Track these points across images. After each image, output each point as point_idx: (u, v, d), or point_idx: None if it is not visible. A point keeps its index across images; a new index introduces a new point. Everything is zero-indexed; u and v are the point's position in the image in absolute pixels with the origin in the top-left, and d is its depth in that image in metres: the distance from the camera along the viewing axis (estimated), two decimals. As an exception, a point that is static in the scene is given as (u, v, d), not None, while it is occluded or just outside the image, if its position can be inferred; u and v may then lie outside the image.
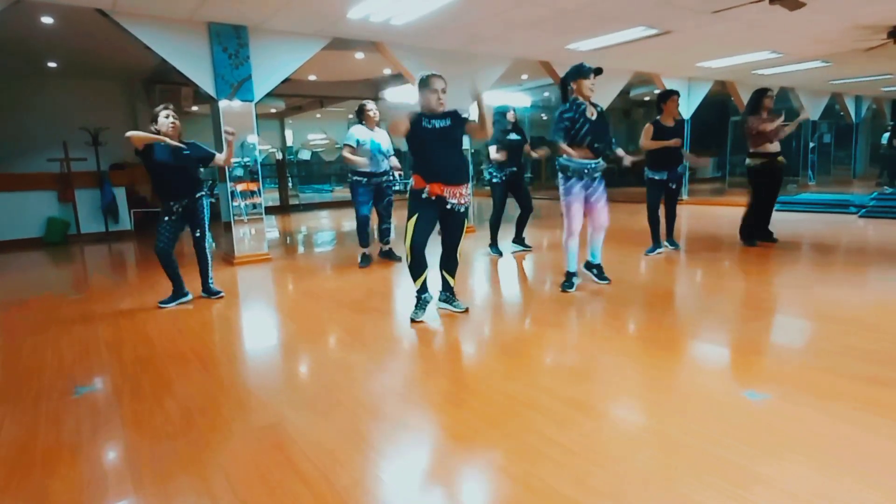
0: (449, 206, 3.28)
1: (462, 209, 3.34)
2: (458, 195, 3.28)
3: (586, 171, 3.77)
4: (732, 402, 2.19)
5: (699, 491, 1.60)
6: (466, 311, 3.53)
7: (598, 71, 3.75)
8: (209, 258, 4.16)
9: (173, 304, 4.02)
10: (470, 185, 3.39)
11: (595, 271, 4.12)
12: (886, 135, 12.83)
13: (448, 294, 3.57)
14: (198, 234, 4.01)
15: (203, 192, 3.98)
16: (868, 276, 4.29)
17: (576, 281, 4.02)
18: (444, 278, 3.55)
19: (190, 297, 4.13)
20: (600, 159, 3.82)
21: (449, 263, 3.51)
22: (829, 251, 5.31)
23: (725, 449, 1.82)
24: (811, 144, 13.27)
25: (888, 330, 2.98)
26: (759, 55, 7.77)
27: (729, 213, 8.51)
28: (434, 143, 3.22)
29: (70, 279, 5.52)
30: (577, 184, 3.79)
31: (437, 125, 3.22)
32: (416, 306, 3.43)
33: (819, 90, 12.43)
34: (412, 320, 3.37)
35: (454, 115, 3.29)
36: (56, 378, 2.71)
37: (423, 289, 3.44)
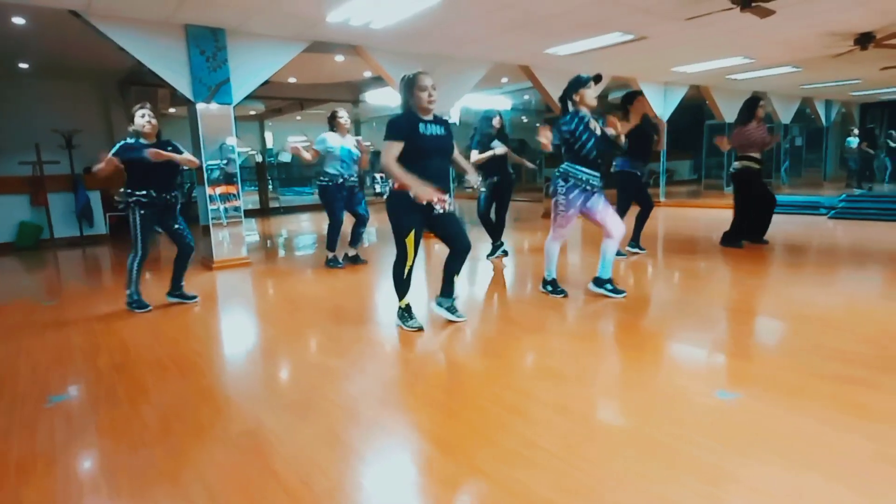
0: (435, 212, 3.14)
1: (448, 211, 3.20)
2: (442, 202, 3.13)
3: (589, 183, 3.70)
4: (706, 402, 2.24)
5: (674, 490, 1.64)
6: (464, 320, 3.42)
7: (598, 78, 3.64)
8: (193, 252, 4.13)
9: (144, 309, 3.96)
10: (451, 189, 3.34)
11: (609, 286, 3.90)
12: (854, 139, 13.23)
13: (452, 301, 3.42)
14: (177, 227, 3.98)
15: (176, 193, 4.00)
16: (837, 277, 4.43)
17: (560, 287, 3.97)
18: (451, 281, 3.37)
19: (149, 308, 4.00)
20: (599, 173, 3.72)
21: (458, 265, 3.33)
22: (800, 252, 5.45)
23: (699, 448, 1.87)
24: (784, 147, 13.62)
25: (856, 329, 3.08)
26: (733, 60, 7.96)
27: (705, 215, 8.69)
28: (431, 151, 3.06)
29: (43, 285, 5.40)
30: (579, 193, 3.71)
31: (433, 132, 3.07)
32: (405, 321, 3.33)
33: (790, 94, 12.76)
34: (410, 328, 3.30)
35: (446, 125, 3.18)
36: (29, 386, 2.66)
37: (410, 309, 3.34)
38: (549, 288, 4.00)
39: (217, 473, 1.83)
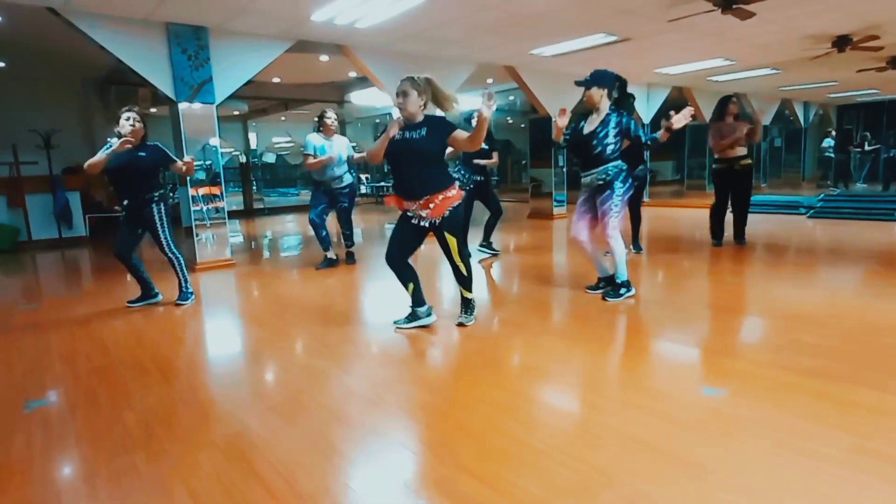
0: (414, 221, 3.09)
1: (435, 223, 3.08)
2: (420, 210, 3.05)
3: (585, 183, 3.77)
4: (692, 398, 2.26)
5: (662, 487, 1.65)
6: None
7: (577, 83, 3.72)
8: (177, 262, 4.05)
9: (141, 303, 4.04)
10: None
11: (601, 284, 3.93)
12: (830, 140, 13.52)
13: (464, 312, 3.36)
14: (159, 240, 3.93)
15: (154, 196, 3.85)
16: (817, 274, 4.51)
17: (602, 286, 3.95)
18: (461, 294, 3.37)
19: (159, 297, 4.12)
20: (599, 170, 3.65)
21: (456, 277, 3.29)
22: (781, 250, 5.54)
23: (686, 445, 1.88)
24: (763, 147, 13.87)
25: (833, 325, 3.14)
26: (714, 62, 8.08)
27: (688, 215, 8.79)
28: (396, 155, 3.03)
29: (20, 288, 5.28)
30: (581, 196, 3.85)
31: (406, 136, 3.00)
32: (406, 316, 3.33)
33: (770, 96, 12.99)
34: (396, 326, 3.32)
35: (431, 124, 3.03)
36: (5, 392, 2.59)
37: (416, 301, 3.27)
38: (593, 286, 4.02)
39: (201, 478, 1.80)
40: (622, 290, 3.80)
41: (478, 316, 3.65)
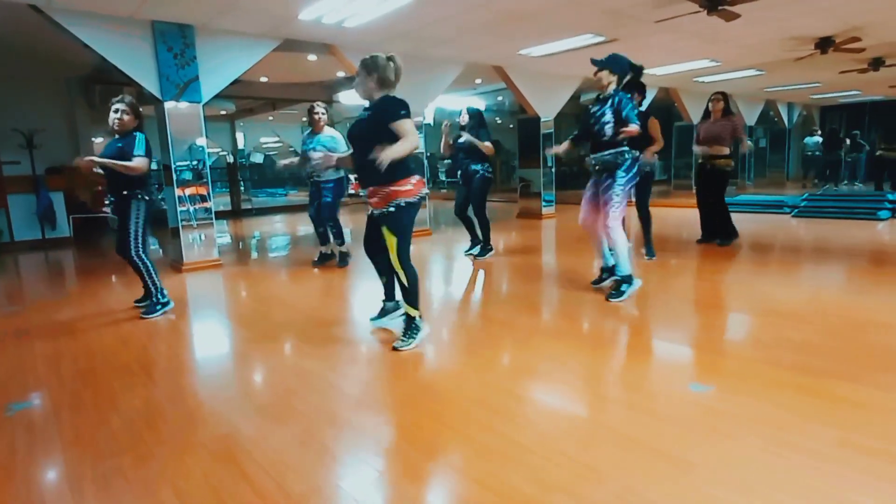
0: (370, 210, 2.95)
1: (376, 213, 2.84)
2: (371, 198, 2.85)
3: (591, 166, 3.74)
4: (680, 395, 2.28)
5: (649, 483, 1.66)
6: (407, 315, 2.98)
7: (593, 61, 3.57)
8: (140, 267, 3.74)
9: (144, 304, 3.90)
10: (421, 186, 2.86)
11: (605, 276, 3.97)
12: (817, 139, 13.71)
13: (403, 333, 2.98)
14: (126, 238, 3.66)
15: (133, 193, 3.61)
16: (801, 272, 4.57)
17: (605, 277, 3.99)
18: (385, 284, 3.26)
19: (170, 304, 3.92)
20: (604, 154, 3.59)
21: (399, 287, 2.99)
22: (766, 249, 5.61)
23: (673, 441, 1.90)
24: (749, 145, 14.02)
25: (817, 322, 3.19)
26: (699, 63, 8.16)
27: (675, 214, 8.87)
28: (350, 140, 2.95)
29: (3, 290, 5.19)
30: (590, 181, 3.82)
31: (358, 118, 2.85)
32: (379, 312, 3.35)
33: (755, 97, 13.15)
34: (372, 323, 3.34)
35: (377, 106, 2.75)
36: (-13, 396, 2.55)
37: (386, 295, 3.31)
38: (596, 280, 4.06)
39: (189, 481, 1.78)
40: (623, 287, 3.70)
41: (470, 315, 3.65)
